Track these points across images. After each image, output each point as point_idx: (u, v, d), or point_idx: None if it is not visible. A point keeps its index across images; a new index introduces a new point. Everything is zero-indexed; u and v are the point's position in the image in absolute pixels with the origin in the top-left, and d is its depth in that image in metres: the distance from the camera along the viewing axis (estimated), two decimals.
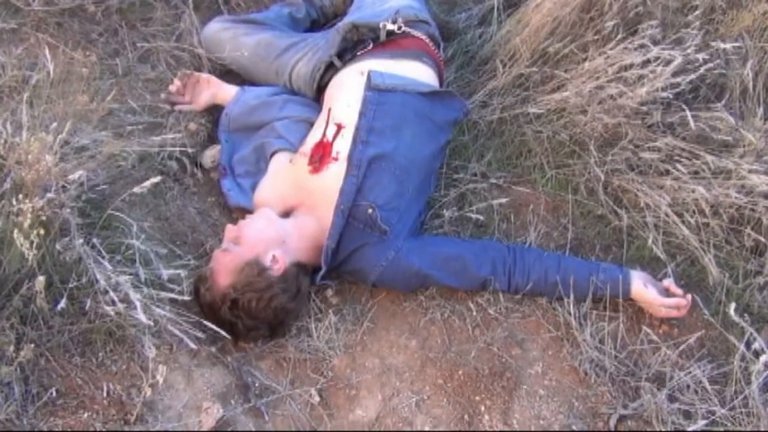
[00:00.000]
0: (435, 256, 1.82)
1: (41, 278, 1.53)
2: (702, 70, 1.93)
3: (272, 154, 2.04)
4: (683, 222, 1.94)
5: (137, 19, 2.39)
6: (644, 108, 2.02)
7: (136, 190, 1.61)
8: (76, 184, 1.70)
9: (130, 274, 1.65)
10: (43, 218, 1.61)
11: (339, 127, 1.92)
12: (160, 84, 2.22)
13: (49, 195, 1.63)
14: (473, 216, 1.97)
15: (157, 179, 1.63)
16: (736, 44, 2.02)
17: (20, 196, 1.62)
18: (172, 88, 2.16)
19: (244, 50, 2.23)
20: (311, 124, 2.05)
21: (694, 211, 1.93)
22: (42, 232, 1.56)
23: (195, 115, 2.15)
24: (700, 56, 1.94)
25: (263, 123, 2.12)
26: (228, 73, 2.29)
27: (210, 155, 2.11)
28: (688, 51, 1.94)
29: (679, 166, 1.96)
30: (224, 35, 2.26)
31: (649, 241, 1.92)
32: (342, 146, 1.88)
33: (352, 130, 1.88)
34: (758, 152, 1.94)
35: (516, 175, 2.13)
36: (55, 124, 1.72)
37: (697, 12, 2.12)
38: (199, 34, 2.31)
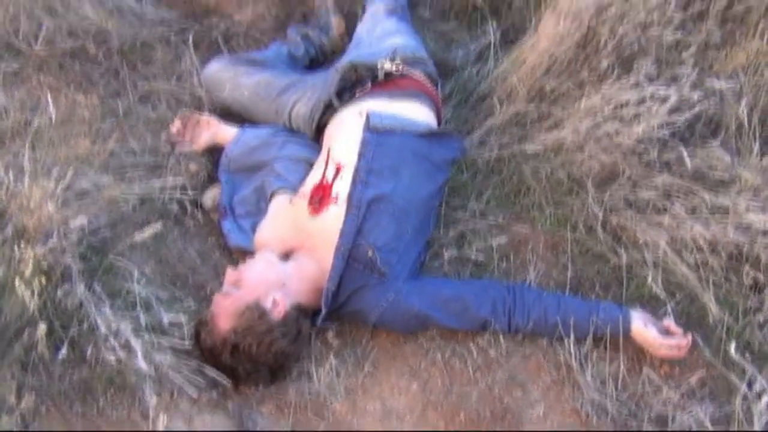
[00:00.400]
0: (435, 297, 1.82)
1: (43, 326, 1.54)
2: (697, 108, 1.95)
3: (272, 195, 2.05)
4: (682, 260, 1.94)
5: (138, 60, 2.42)
6: (641, 146, 2.04)
7: (137, 238, 1.62)
8: (77, 230, 1.72)
9: (132, 319, 1.67)
10: (45, 266, 1.62)
11: (338, 168, 1.94)
12: (161, 124, 2.24)
13: (51, 242, 1.65)
14: (473, 256, 1.98)
15: (157, 226, 1.65)
16: (731, 82, 2.03)
17: (22, 242, 1.63)
18: (173, 128, 2.18)
19: (244, 90, 2.25)
20: (311, 164, 2.07)
21: (692, 249, 1.94)
22: (44, 280, 1.58)
23: (195, 156, 2.17)
24: (695, 94, 1.96)
25: (263, 163, 2.13)
26: (228, 112, 2.31)
27: (210, 196, 2.12)
28: (683, 90, 1.95)
29: (676, 203, 1.97)
30: (224, 75, 2.28)
31: (649, 279, 1.93)
32: (341, 187, 1.89)
33: (351, 170, 1.89)
34: (755, 189, 1.95)
35: (515, 213, 2.13)
36: (56, 170, 1.74)
37: (691, 48, 2.14)
38: (200, 75, 2.34)
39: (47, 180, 1.72)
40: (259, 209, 2.07)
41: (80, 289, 1.65)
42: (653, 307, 1.93)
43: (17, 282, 1.55)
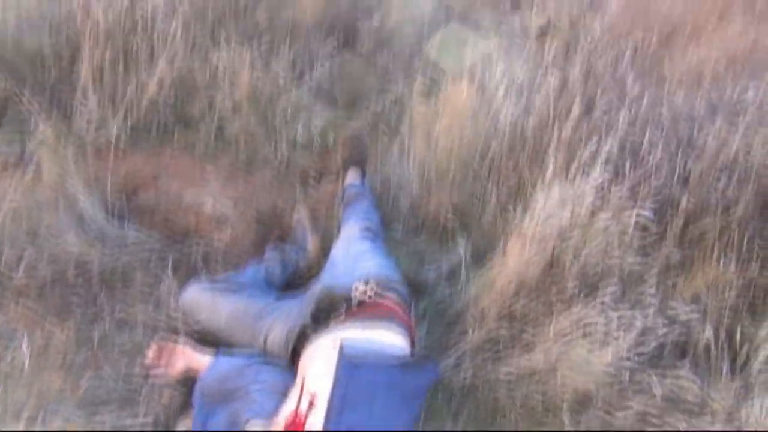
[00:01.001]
0: None
1: None
2: (662, 336, 2.00)
3: (245, 424, 2.02)
4: None
5: (117, 284, 2.46)
6: (612, 370, 2.06)
7: None
8: None
9: None
10: None
11: (312, 400, 1.93)
12: (137, 351, 2.24)
13: None
14: None
15: None
16: (694, 307, 2.11)
17: None
18: (148, 356, 2.19)
19: (221, 314, 2.29)
20: (285, 392, 2.06)
21: None
22: None
23: (170, 383, 2.16)
24: (660, 321, 2.03)
25: (237, 390, 2.12)
26: (205, 334, 2.33)
27: (184, 425, 2.09)
28: (648, 318, 2.02)
29: (652, 429, 1.97)
30: (201, 300, 2.32)
31: None
32: (315, 420, 1.87)
33: (325, 402, 1.88)
34: (728, 413, 1.96)
35: None
36: (26, 413, 1.72)
37: (653, 271, 2.24)
38: (178, 299, 2.38)
39: (16, 424, 1.70)
40: None
41: None
42: None
43: None
